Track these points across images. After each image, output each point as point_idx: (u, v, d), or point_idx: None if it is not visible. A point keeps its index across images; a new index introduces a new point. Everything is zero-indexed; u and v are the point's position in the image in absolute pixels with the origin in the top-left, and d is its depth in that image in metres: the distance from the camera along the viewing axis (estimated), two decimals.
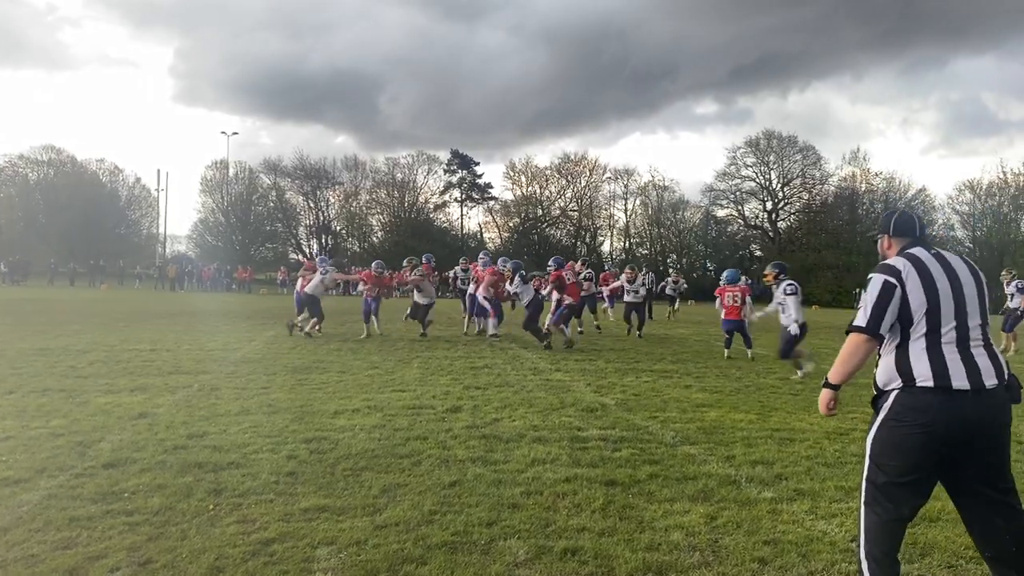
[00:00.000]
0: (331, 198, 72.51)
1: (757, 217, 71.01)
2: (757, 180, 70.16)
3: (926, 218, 67.16)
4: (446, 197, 73.90)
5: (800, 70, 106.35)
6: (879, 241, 3.46)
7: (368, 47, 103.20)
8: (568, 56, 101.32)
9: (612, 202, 73.38)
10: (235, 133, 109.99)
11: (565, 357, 12.42)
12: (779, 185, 69.97)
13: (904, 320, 3.10)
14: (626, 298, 17.90)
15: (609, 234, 73.85)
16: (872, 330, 3.10)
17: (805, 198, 70.02)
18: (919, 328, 3.07)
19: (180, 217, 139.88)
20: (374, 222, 73.29)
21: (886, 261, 3.23)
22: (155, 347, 12.63)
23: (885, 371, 3.14)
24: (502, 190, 75.40)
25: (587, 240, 71.62)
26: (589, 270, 18.49)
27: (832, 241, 64.37)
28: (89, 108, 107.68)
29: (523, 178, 73.89)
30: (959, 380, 2.99)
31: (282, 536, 4.03)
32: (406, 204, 72.29)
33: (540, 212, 73.04)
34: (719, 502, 4.76)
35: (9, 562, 3.63)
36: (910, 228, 3.35)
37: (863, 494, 3.18)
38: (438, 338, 15.27)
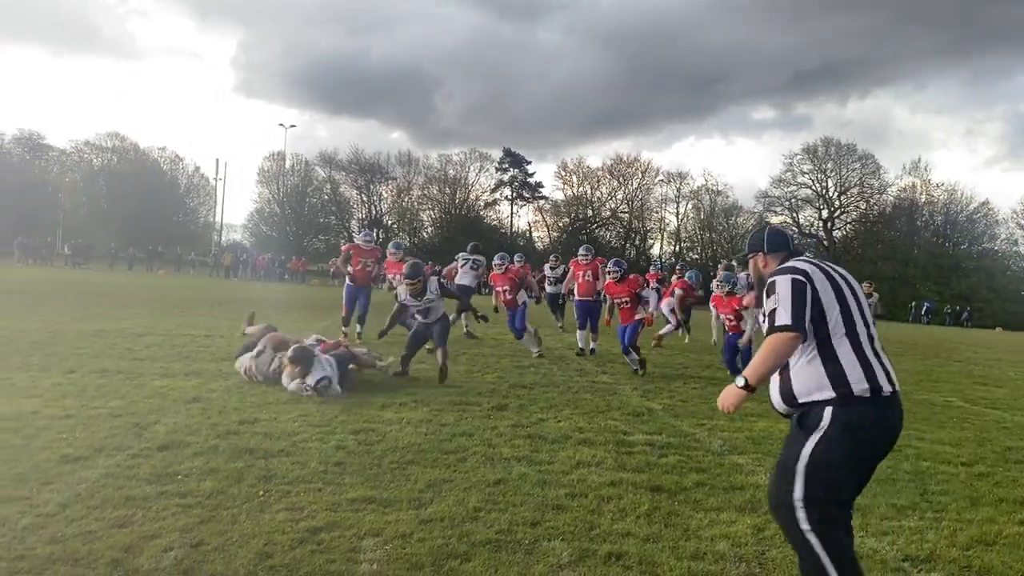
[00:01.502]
0: (384, 192, 73.39)
1: (812, 225, 69.95)
2: (813, 188, 69.13)
3: (988, 232, 65.32)
4: (497, 195, 74.30)
5: (861, 77, 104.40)
6: (751, 261, 3.40)
7: (426, 44, 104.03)
8: (624, 57, 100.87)
9: (664, 205, 73.02)
10: (293, 126, 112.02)
11: (612, 360, 12.36)
12: (836, 193, 68.81)
13: (819, 323, 2.96)
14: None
15: (659, 237, 73.36)
16: (798, 327, 2.93)
17: (862, 208, 68.75)
18: (838, 331, 2.96)
19: (236, 206, 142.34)
20: (425, 218, 74.00)
21: (785, 265, 3.12)
22: (210, 333, 12.90)
23: (810, 382, 2.96)
24: (553, 190, 75.58)
25: (636, 242, 71.22)
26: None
27: (889, 253, 63.06)
28: (153, 97, 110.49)
29: (574, 178, 73.88)
30: (886, 384, 2.94)
31: (329, 525, 4.08)
32: (457, 201, 72.72)
33: (590, 213, 72.88)
34: (767, 514, 4.68)
35: (68, 537, 3.75)
36: (784, 242, 3.33)
37: (803, 522, 2.90)
38: (485, 335, 15.31)
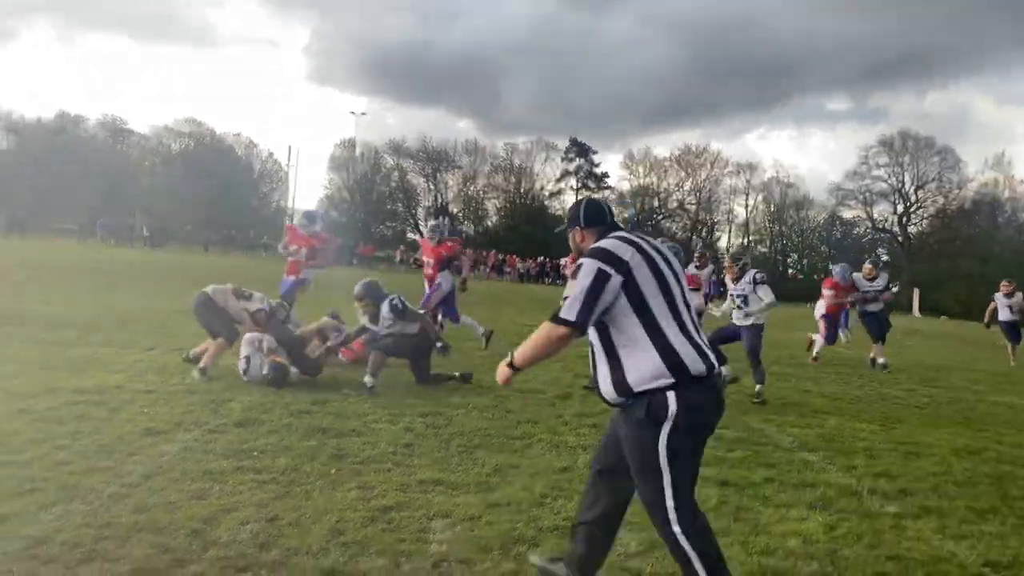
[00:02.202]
0: (450, 181, 73.80)
1: (886, 220, 67.88)
2: (889, 181, 67.05)
3: None
4: (562, 185, 74.01)
5: (941, 67, 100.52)
6: (571, 235, 3.22)
7: (494, 33, 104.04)
8: (694, 46, 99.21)
9: (732, 197, 71.68)
10: (363, 113, 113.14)
11: None
12: (912, 188, 66.57)
13: (638, 307, 2.83)
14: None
15: (727, 229, 72.18)
16: (580, 324, 2.81)
17: (940, 203, 66.33)
18: (663, 313, 2.85)
19: (308, 192, 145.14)
20: (490, 206, 74.20)
21: (601, 245, 2.94)
22: None
23: (646, 369, 2.81)
24: (619, 180, 74.86)
25: (703, 234, 70.17)
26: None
27: (967, 249, 60.72)
28: (229, 84, 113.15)
29: (641, 169, 73.18)
30: (711, 362, 2.88)
31: (399, 505, 4.15)
32: (522, 190, 72.77)
33: (656, 204, 72.08)
34: (839, 512, 4.59)
35: (151, 507, 3.90)
36: (600, 217, 3.15)
37: (675, 524, 2.83)
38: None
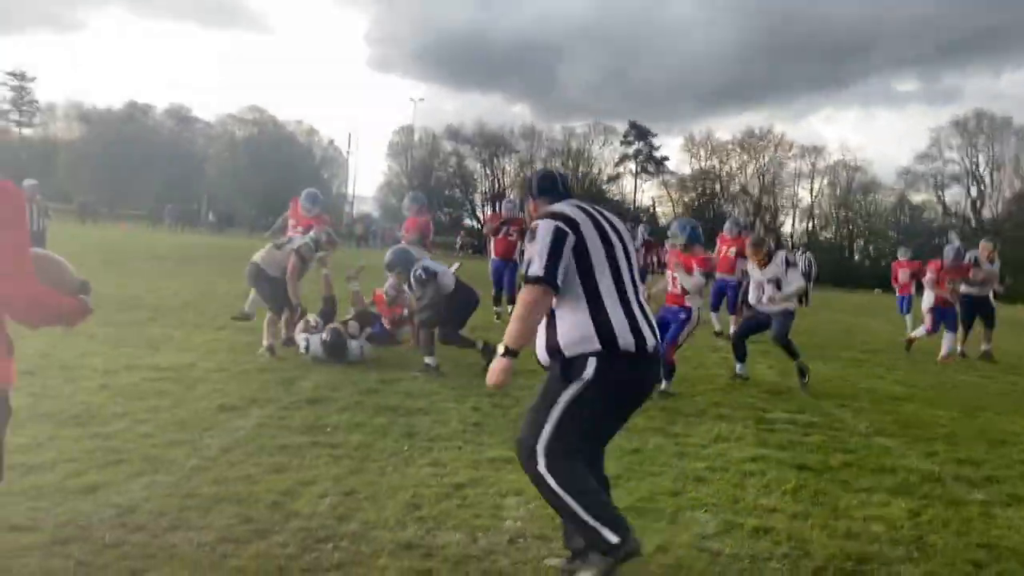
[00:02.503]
0: (507, 166, 73.74)
1: (958, 204, 65.51)
2: (962, 164, 64.61)
3: None
4: (620, 169, 73.31)
5: (1019, 45, 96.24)
6: (526, 207, 3.26)
7: (552, 17, 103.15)
8: (757, 27, 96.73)
9: (797, 180, 69.98)
10: (421, 99, 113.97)
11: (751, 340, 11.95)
12: (987, 171, 64.10)
13: (585, 272, 2.83)
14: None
15: (791, 214, 70.64)
16: (551, 279, 2.79)
17: (1017, 186, 63.72)
18: (604, 282, 2.85)
19: (367, 178, 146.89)
20: None
21: (553, 208, 2.96)
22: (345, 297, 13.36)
23: (575, 333, 2.82)
24: (679, 163, 73.97)
25: (766, 219, 68.85)
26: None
27: None
28: (291, 71, 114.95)
29: (702, 152, 71.88)
30: (651, 340, 2.90)
31: (472, 482, 4.15)
32: (579, 174, 72.30)
33: (718, 188, 70.91)
34: (922, 498, 4.44)
35: (230, 480, 3.97)
36: (551, 186, 3.18)
37: (549, 468, 2.83)
38: None
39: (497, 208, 12.82)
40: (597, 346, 2.80)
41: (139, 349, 7.26)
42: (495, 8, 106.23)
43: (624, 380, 2.86)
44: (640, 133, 72.28)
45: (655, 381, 3.10)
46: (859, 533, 3.81)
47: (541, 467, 2.84)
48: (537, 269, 2.80)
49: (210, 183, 63.54)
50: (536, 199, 3.18)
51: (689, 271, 7.01)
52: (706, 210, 66.70)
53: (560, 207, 2.97)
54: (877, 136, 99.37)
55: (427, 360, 7.14)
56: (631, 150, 72.61)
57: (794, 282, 7.88)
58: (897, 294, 15.83)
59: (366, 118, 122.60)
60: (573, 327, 2.83)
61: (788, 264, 7.89)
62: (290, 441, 4.70)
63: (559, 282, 2.81)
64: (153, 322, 9.07)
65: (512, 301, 11.70)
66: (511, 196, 11.98)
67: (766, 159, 69.73)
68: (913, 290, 15.23)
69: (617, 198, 72.27)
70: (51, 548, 3.04)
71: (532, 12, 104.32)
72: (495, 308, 12.01)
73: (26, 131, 71.56)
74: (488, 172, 73.96)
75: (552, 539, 3.46)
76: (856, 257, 66.63)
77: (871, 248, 66.88)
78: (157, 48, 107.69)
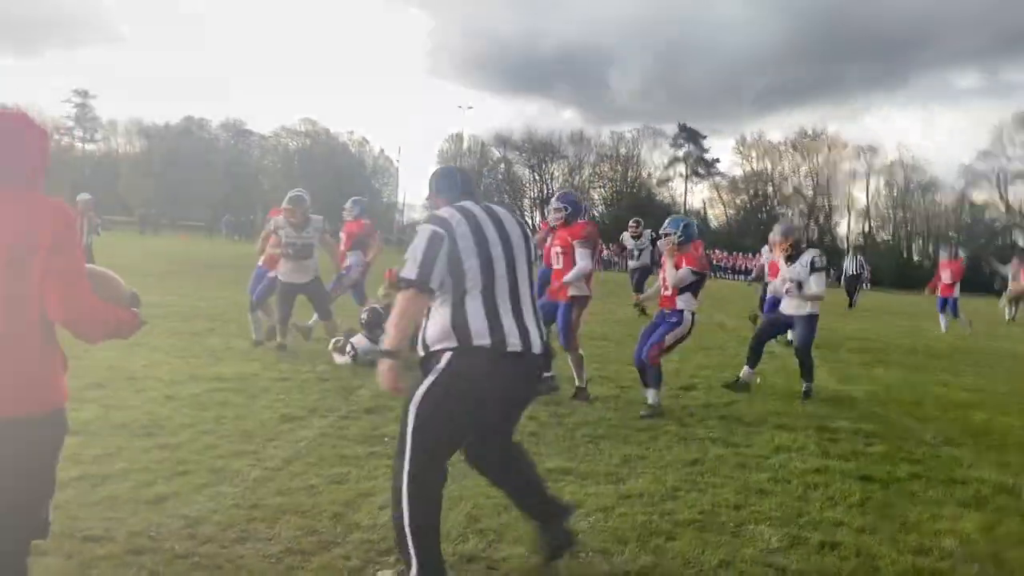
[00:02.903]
0: (556, 171, 73.74)
1: (1023, 202, 63.39)
2: None
3: None
4: (670, 172, 72.83)
5: None
6: (429, 204, 3.33)
7: (601, 21, 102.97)
8: (810, 25, 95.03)
9: (852, 181, 68.56)
10: (470, 107, 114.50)
11: None
12: None
13: (456, 274, 2.92)
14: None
15: (847, 215, 69.20)
16: (422, 283, 2.88)
17: None
18: (474, 284, 2.92)
19: (418, 186, 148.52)
20: (596, 196, 73.63)
21: (436, 212, 3.07)
22: None
23: (438, 329, 2.94)
24: (730, 166, 72.96)
25: (821, 221, 67.62)
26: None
27: None
28: (343, 82, 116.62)
29: (754, 153, 70.99)
30: (513, 340, 2.92)
31: None
32: (629, 178, 71.95)
33: (771, 190, 69.87)
34: (996, 511, 4.30)
35: (293, 490, 4.03)
36: (448, 184, 3.26)
37: (407, 452, 2.91)
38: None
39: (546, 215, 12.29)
40: (454, 342, 2.91)
41: (202, 359, 7.43)
42: (543, 15, 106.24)
43: (476, 375, 2.90)
44: (690, 135, 71.73)
45: (528, 380, 3.11)
46: (930, 548, 3.70)
47: (404, 481, 2.93)
48: (409, 272, 2.91)
49: (265, 194, 64.75)
50: (436, 197, 3.27)
51: (678, 268, 6.49)
52: (759, 212, 65.80)
53: (445, 209, 3.05)
54: (936, 134, 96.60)
55: None
56: (681, 153, 72.15)
57: (815, 287, 7.23)
58: (939, 295, 15.64)
59: (415, 127, 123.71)
60: (437, 324, 2.95)
61: (813, 267, 7.25)
62: (350, 451, 4.76)
63: (432, 285, 2.90)
64: (213, 332, 9.26)
65: None
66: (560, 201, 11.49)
67: (820, 160, 68.54)
68: (956, 292, 15.30)
69: (667, 201, 71.72)
70: (124, 558, 3.12)
71: (580, 17, 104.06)
72: None
73: (89, 147, 73.98)
74: (536, 177, 74.08)
75: (614, 553, 3.44)
76: (915, 258, 64.96)
77: (931, 249, 65.10)
78: (213, 62, 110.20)
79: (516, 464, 3.29)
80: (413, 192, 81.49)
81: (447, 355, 2.91)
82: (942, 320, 15.54)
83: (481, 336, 2.89)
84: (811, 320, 7.32)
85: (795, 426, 6.07)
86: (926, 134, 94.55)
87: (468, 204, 3.08)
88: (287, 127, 72.06)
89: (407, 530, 2.91)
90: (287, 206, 8.29)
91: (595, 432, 5.54)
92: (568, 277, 6.60)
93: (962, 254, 17.47)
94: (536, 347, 3.01)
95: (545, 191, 72.84)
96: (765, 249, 12.02)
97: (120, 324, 2.32)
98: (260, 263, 8.92)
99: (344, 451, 4.76)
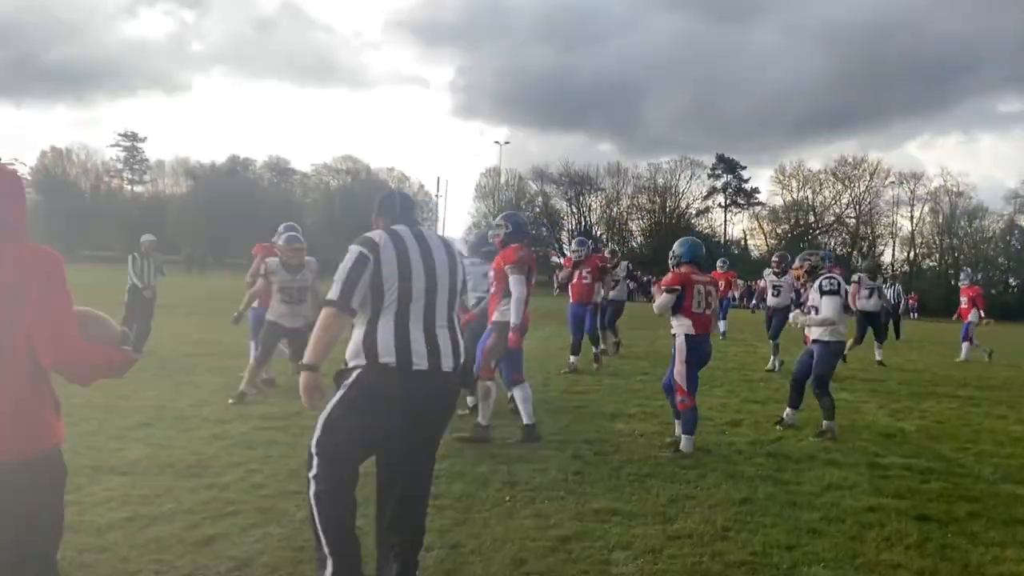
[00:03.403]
0: (593, 203, 73.78)
1: None
2: None
3: None
4: (709, 202, 72.40)
5: None
6: (372, 225, 3.39)
7: (635, 54, 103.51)
8: (848, 53, 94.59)
9: (895, 208, 67.49)
10: (507, 143, 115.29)
11: (850, 375, 11.52)
12: None
13: (376, 294, 3.04)
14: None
15: (891, 243, 68.02)
16: (342, 304, 3.01)
17: None
18: (390, 304, 3.04)
19: (456, 221, 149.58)
20: (634, 227, 73.52)
21: (366, 234, 3.17)
22: None
23: (353, 346, 3.07)
24: (770, 195, 72.34)
25: (864, 249, 66.51)
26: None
27: None
28: (382, 121, 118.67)
29: (794, 182, 70.34)
30: (419, 359, 3.01)
31: (578, 535, 4.09)
32: (667, 209, 71.68)
33: (812, 218, 69.06)
34: None
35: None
36: (391, 207, 3.38)
37: (313, 468, 3.05)
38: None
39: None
40: (363, 360, 3.03)
41: (248, 397, 7.49)
42: (576, 50, 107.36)
43: (379, 391, 3.00)
44: (728, 166, 71.39)
45: (437, 397, 3.12)
46: None
47: (311, 472, 3.06)
48: (333, 293, 3.04)
49: (307, 231, 65.67)
50: (376, 219, 3.40)
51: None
52: (800, 241, 64.96)
53: (376, 232, 3.17)
54: (980, 160, 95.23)
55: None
56: (719, 183, 71.72)
57: (825, 311, 6.86)
58: (963, 320, 15.76)
59: (454, 162, 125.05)
60: (353, 342, 3.09)
61: (822, 291, 6.93)
62: None
63: (352, 305, 3.03)
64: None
65: (595, 341, 11.24)
66: (581, 237, 11.53)
67: (861, 187, 67.69)
68: (972, 317, 15.51)
69: (707, 231, 71.21)
70: None
71: (614, 50, 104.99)
72: (571, 357, 10.86)
73: (137, 188, 76.01)
74: (574, 210, 74.14)
75: None
76: (961, 285, 63.53)
77: (979, 276, 63.60)
78: (257, 105, 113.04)
79: (408, 507, 3.20)
80: (452, 225, 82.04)
81: (356, 371, 3.05)
82: (963, 348, 15.38)
83: (387, 354, 3.00)
84: (828, 347, 6.97)
85: (845, 462, 5.93)
86: (970, 160, 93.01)
87: (400, 228, 3.21)
88: (328, 165, 73.44)
89: (319, 530, 3.03)
90: (289, 245, 7.72)
91: (641, 470, 5.46)
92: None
93: (976, 279, 17.74)
94: (446, 366, 3.10)
95: (583, 223, 72.91)
96: (767, 272, 11.84)
97: (111, 364, 2.36)
98: (256, 303, 8.36)
99: None
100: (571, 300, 11.20)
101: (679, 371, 6.16)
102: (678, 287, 6.15)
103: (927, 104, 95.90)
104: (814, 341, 7.08)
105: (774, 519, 4.49)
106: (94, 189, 72.06)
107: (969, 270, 11.91)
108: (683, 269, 6.28)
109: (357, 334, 3.08)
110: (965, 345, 15.47)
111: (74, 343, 2.23)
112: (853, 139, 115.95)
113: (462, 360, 3.21)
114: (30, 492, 2.22)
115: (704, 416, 7.53)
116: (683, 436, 6.07)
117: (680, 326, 6.19)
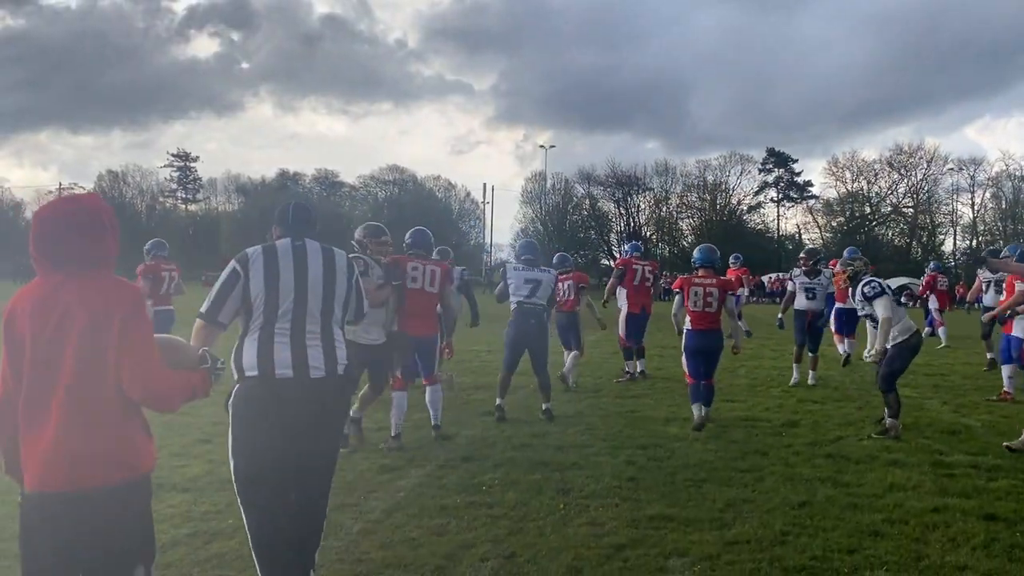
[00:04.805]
0: (641, 204, 73.24)
1: None
2: None
3: None
4: (760, 198, 71.26)
5: None
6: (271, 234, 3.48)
7: (679, 50, 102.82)
8: (900, 38, 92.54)
9: (955, 196, 65.55)
10: (552, 146, 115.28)
11: (912, 371, 11.18)
12: None
13: (247, 309, 3.15)
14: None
15: (951, 232, 66.13)
16: (210, 317, 3.13)
17: None
18: (257, 318, 3.13)
19: (503, 227, 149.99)
20: (684, 226, 72.73)
21: (245, 249, 3.26)
22: (491, 348, 13.57)
23: (235, 360, 3.14)
24: (823, 188, 70.84)
25: (923, 239, 64.82)
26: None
27: None
28: (426, 130, 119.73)
29: (847, 173, 68.74)
30: (283, 368, 3.08)
31: (633, 542, 4.07)
32: (718, 207, 70.82)
33: (868, 210, 67.50)
34: None
35: (395, 543, 4.07)
36: (283, 219, 3.43)
37: (239, 496, 3.16)
38: (762, 346, 14.66)
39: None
40: (235, 375, 3.16)
41: None
42: (619, 50, 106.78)
43: (248, 399, 3.11)
44: (779, 160, 70.20)
45: (309, 403, 3.13)
46: None
47: (237, 487, 3.17)
48: (204, 306, 3.16)
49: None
50: (276, 227, 3.47)
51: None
52: (856, 234, 63.56)
53: (252, 248, 3.27)
54: None
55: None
56: (771, 177, 70.57)
57: (879, 312, 6.64)
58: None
59: (500, 168, 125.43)
60: (235, 354, 3.17)
61: (868, 298, 6.74)
62: (448, 501, 4.78)
63: (219, 318, 3.15)
64: None
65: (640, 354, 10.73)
66: (636, 244, 11.38)
67: (919, 175, 65.90)
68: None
69: (759, 227, 70.17)
70: None
71: (658, 47, 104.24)
72: (626, 365, 10.61)
73: (191, 207, 77.95)
74: (622, 211, 73.69)
75: None
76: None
77: None
78: (304, 119, 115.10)
79: (306, 515, 3.27)
80: (499, 232, 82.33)
81: (234, 388, 3.18)
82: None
83: (251, 367, 3.11)
84: (895, 350, 6.75)
85: (908, 462, 5.78)
86: None
87: (281, 242, 3.30)
88: (375, 176, 74.36)
89: (253, 555, 3.17)
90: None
91: (696, 475, 5.40)
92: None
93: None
94: (315, 374, 3.14)
95: (632, 224, 72.43)
96: (795, 271, 11.37)
97: (196, 388, 2.47)
98: None
99: (443, 501, 4.79)
100: (627, 308, 10.70)
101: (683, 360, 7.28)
102: (679, 289, 7.28)
103: (984, 86, 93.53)
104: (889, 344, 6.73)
105: (834, 522, 4.41)
106: (149, 209, 74.20)
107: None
108: (700, 272, 7.25)
109: (238, 346, 3.19)
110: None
111: (159, 374, 2.32)
112: (908, 126, 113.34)
113: (340, 368, 3.24)
114: (126, 515, 2.29)
115: (760, 417, 7.47)
116: (692, 406, 7.11)
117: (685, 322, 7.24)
